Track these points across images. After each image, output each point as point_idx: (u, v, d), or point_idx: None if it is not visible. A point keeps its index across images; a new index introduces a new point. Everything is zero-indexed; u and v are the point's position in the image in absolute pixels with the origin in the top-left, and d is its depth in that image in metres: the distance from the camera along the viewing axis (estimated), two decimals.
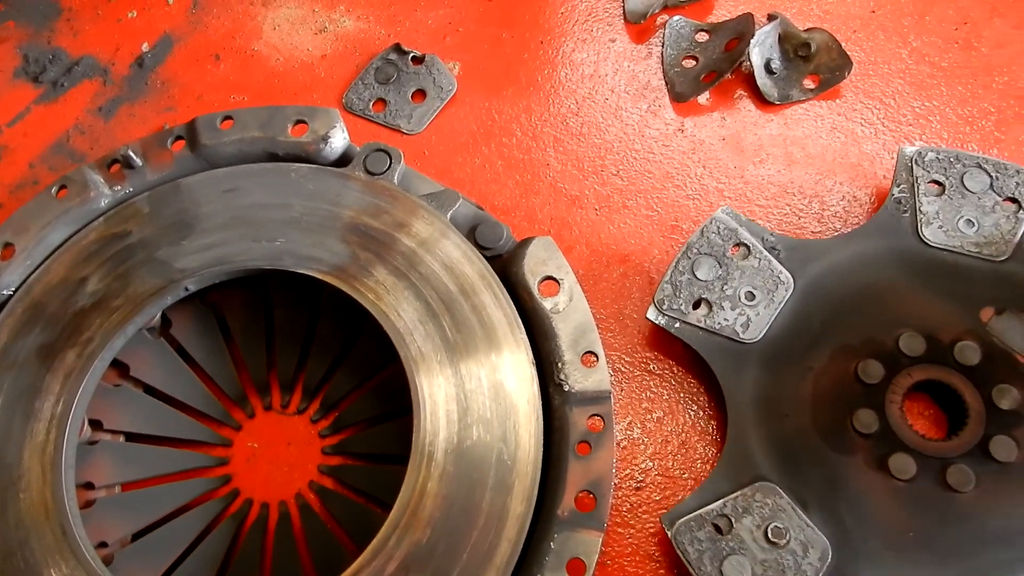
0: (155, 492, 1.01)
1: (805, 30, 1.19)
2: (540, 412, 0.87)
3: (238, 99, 1.28)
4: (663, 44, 1.23)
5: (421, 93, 1.23)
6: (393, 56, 1.26)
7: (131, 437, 1.03)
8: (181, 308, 1.03)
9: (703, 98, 1.19)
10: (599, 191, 1.14)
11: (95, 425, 0.99)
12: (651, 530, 0.96)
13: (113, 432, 1.02)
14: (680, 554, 0.87)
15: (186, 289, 0.97)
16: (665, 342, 1.03)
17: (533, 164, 1.17)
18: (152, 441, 1.03)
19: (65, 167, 1.24)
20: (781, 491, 0.89)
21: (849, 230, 1.06)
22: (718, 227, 1.00)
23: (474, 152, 1.19)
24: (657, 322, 0.98)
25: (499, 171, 1.17)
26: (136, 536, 0.98)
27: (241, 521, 1.00)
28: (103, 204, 1.04)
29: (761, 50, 1.16)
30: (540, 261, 0.94)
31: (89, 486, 0.98)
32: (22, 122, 1.30)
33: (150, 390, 1.05)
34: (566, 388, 0.88)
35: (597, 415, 0.87)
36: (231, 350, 1.08)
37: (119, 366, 1.02)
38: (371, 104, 1.24)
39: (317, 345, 1.07)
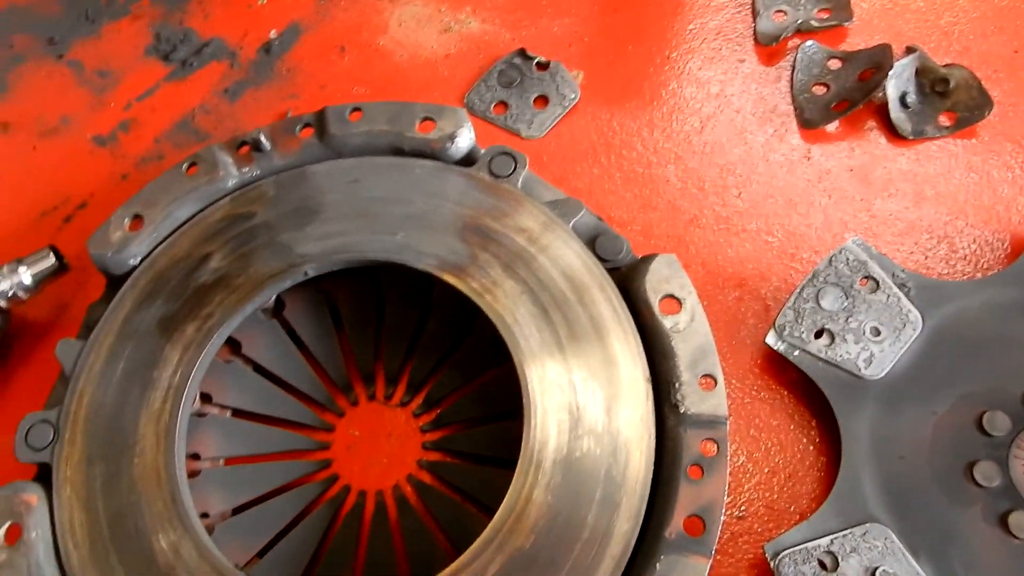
0: (256, 469, 1.03)
1: (944, 66, 1.15)
2: (653, 431, 0.86)
3: (360, 91, 1.29)
4: (794, 68, 1.21)
5: (543, 99, 1.23)
6: (517, 60, 1.26)
7: (237, 413, 1.05)
8: (295, 292, 1.05)
9: (832, 126, 1.16)
10: (718, 212, 1.12)
11: (204, 398, 1.01)
12: (750, 560, 0.93)
13: (221, 407, 1.04)
14: None
15: (306, 274, 0.98)
16: (779, 371, 1.01)
17: (652, 179, 1.16)
18: (257, 419, 1.05)
19: (189, 144, 1.27)
20: (892, 534, 0.86)
21: (980, 275, 1.03)
22: (847, 257, 0.98)
23: (593, 162, 1.18)
24: (776, 348, 0.96)
25: (617, 184, 1.16)
26: (236, 511, 0.99)
27: (338, 507, 1.01)
28: (230, 184, 1.06)
29: (898, 83, 1.14)
30: (663, 279, 0.92)
31: (195, 457, 1.00)
32: (151, 98, 1.33)
33: (259, 369, 1.06)
34: (681, 409, 0.86)
35: (712, 439, 0.85)
36: (340, 338, 1.09)
37: (232, 343, 1.04)
38: (492, 106, 1.24)
39: (425, 341, 1.07)
